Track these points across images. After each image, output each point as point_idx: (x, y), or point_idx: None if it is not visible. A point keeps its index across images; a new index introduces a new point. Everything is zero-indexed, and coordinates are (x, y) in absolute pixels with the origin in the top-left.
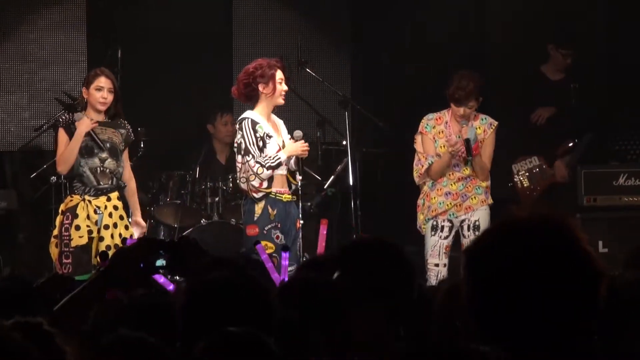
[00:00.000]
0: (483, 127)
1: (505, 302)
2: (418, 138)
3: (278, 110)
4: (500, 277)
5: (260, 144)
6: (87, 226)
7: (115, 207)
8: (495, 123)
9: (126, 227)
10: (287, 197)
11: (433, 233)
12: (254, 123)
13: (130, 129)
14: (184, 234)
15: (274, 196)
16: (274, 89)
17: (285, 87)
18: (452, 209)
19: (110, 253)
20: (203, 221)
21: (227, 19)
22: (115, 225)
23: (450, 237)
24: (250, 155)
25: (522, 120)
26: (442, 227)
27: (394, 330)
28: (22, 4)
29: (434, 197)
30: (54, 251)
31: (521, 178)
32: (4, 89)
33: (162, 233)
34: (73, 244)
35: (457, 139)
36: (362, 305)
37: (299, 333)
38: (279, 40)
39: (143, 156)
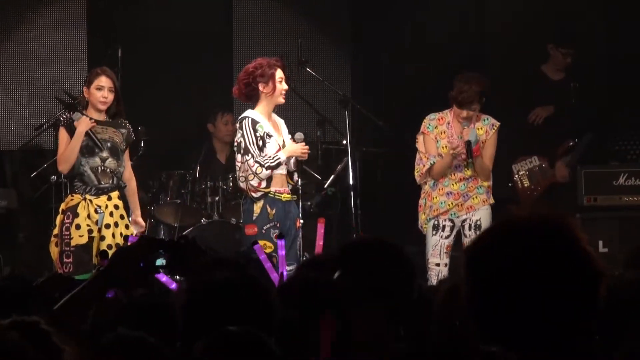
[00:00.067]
0: (485, 128)
1: (505, 302)
2: (420, 138)
3: (278, 110)
4: (500, 277)
5: (260, 143)
6: (88, 225)
7: (116, 207)
8: (497, 124)
9: (126, 227)
10: (286, 196)
11: (434, 233)
12: (254, 122)
13: (131, 129)
14: (184, 233)
15: (272, 195)
16: (274, 88)
17: (285, 86)
18: (453, 208)
19: (111, 252)
20: (203, 220)
21: (227, 19)
22: (116, 225)
23: (452, 237)
24: (250, 155)
25: (522, 120)
26: (444, 226)
27: (394, 330)
28: (23, 3)
29: (436, 197)
30: (54, 250)
31: (521, 178)
32: (4, 87)
33: (162, 232)
34: (73, 243)
35: (458, 139)
36: (362, 305)
37: (299, 333)
38: (279, 40)
39: (143, 155)
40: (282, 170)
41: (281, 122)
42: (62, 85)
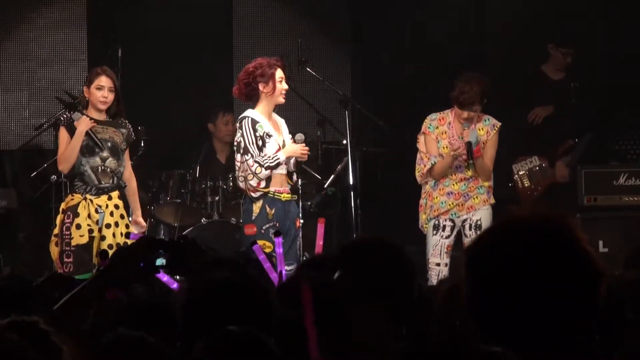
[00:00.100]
0: (486, 129)
1: (505, 302)
2: (421, 138)
3: (278, 110)
4: (500, 277)
5: (260, 143)
6: (88, 225)
7: (116, 206)
8: (498, 124)
9: (127, 226)
10: (286, 196)
11: (435, 232)
12: (254, 122)
13: (131, 129)
14: (184, 233)
15: (272, 195)
16: (274, 88)
17: (285, 86)
18: (454, 208)
19: (111, 252)
20: (203, 220)
21: (227, 19)
22: (116, 225)
23: (452, 237)
24: (249, 155)
25: (522, 120)
26: (444, 226)
27: (394, 330)
28: (23, 3)
29: (436, 197)
30: (54, 250)
31: (521, 178)
32: (5, 87)
33: (162, 232)
34: (74, 242)
35: (459, 140)
36: (362, 305)
37: (299, 333)
38: (279, 40)
39: (143, 155)
40: (281, 170)
41: (282, 122)
42: (62, 85)
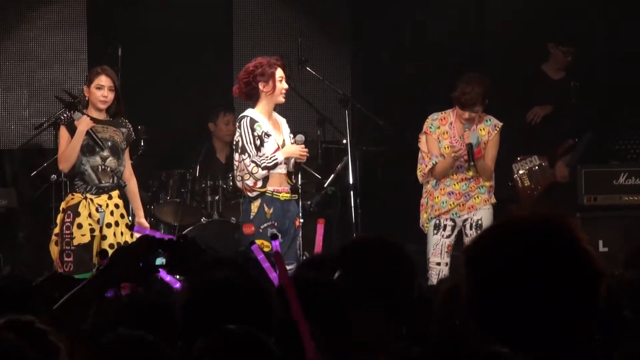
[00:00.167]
0: (487, 129)
1: (505, 302)
2: (422, 138)
3: (278, 109)
4: (500, 277)
5: (258, 142)
6: (89, 224)
7: (117, 206)
8: (500, 125)
9: (127, 226)
10: (285, 195)
11: (435, 232)
12: (253, 122)
13: (132, 128)
14: (184, 232)
15: (270, 195)
16: (274, 87)
17: (285, 85)
18: (455, 208)
19: (111, 252)
20: (203, 219)
21: (227, 19)
22: (116, 224)
23: (453, 236)
24: (247, 154)
25: (522, 120)
26: (445, 226)
27: (394, 330)
28: (23, 3)
29: (437, 197)
30: (54, 249)
31: (521, 177)
32: (5, 87)
33: (162, 231)
34: (75, 242)
35: (460, 140)
36: (362, 305)
37: (299, 333)
38: (279, 40)
39: (143, 155)
40: (281, 170)
41: (282, 121)
42: (62, 85)
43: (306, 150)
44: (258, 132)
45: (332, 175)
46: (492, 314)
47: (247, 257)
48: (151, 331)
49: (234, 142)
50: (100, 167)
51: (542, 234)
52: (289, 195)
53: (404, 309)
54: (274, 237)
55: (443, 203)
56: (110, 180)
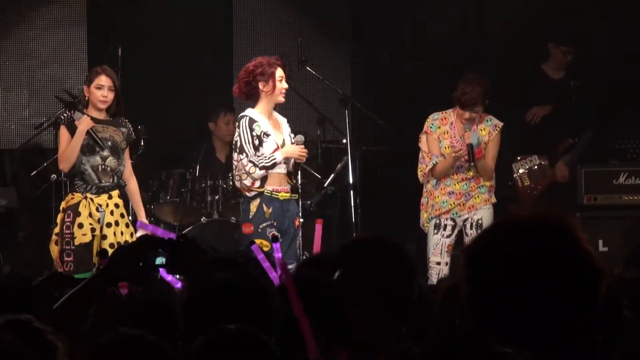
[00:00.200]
0: (488, 129)
1: (505, 301)
2: (423, 137)
3: (278, 109)
4: (500, 276)
5: (256, 142)
6: (90, 224)
7: (117, 205)
8: (500, 125)
9: (127, 225)
10: (284, 195)
11: (436, 231)
12: (252, 121)
13: (132, 128)
14: (184, 232)
15: (269, 194)
16: (274, 87)
17: (285, 85)
18: (455, 208)
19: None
20: (203, 219)
21: (227, 19)
22: (116, 223)
23: (453, 236)
24: (245, 154)
25: (522, 119)
26: (445, 225)
27: (394, 330)
28: (23, 2)
29: (438, 196)
30: (54, 249)
31: (521, 177)
32: (5, 86)
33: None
34: (77, 241)
35: (461, 140)
36: (362, 305)
37: (299, 333)
38: (279, 40)
39: (143, 154)
40: (280, 169)
41: (283, 121)
42: (63, 84)
43: (305, 150)
44: (257, 131)
45: (332, 175)
46: (492, 313)
47: (247, 257)
48: (151, 331)
49: (233, 142)
50: (100, 166)
51: (542, 233)
52: (288, 194)
53: (404, 309)
54: (274, 239)
55: (443, 203)
56: (111, 180)
